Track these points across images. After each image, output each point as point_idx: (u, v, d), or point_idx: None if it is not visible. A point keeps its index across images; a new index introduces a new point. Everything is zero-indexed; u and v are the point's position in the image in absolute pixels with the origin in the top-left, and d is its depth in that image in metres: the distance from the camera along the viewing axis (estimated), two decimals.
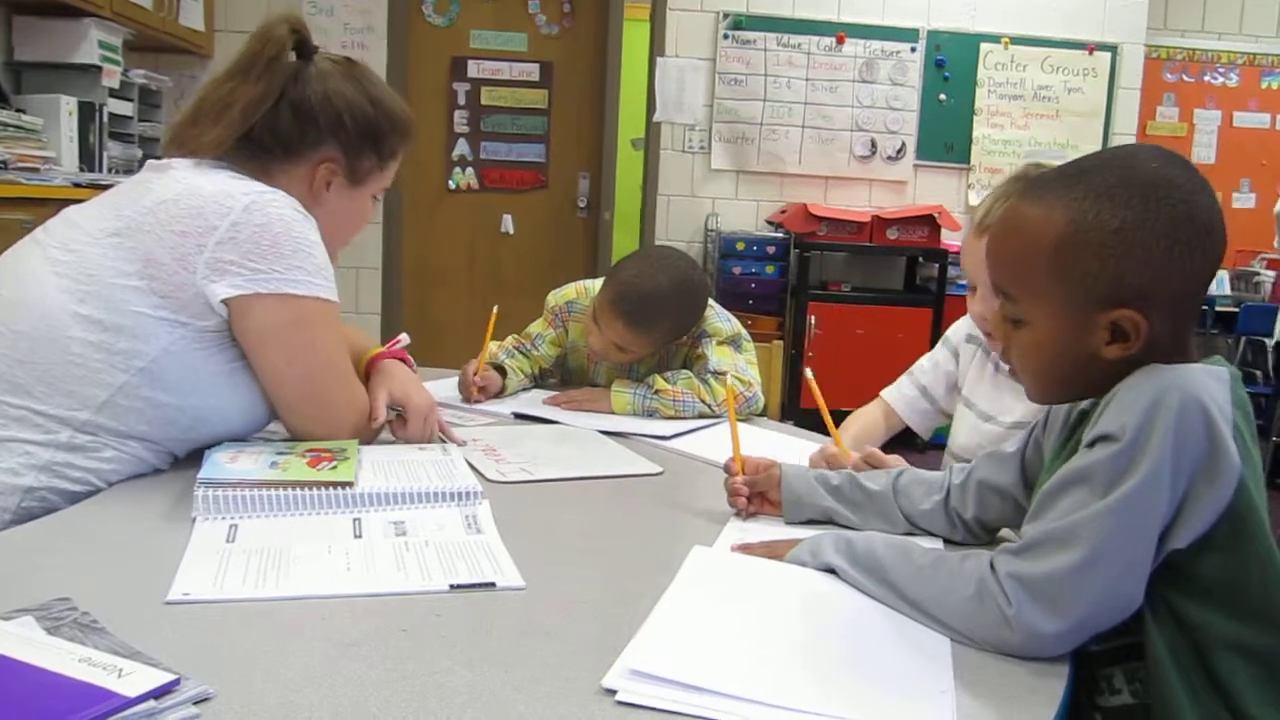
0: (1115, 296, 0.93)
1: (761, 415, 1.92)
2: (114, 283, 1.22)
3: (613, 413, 1.84)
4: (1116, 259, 0.92)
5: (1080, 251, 0.93)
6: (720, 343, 1.92)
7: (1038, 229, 0.96)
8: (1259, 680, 0.87)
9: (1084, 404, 1.04)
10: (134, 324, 1.22)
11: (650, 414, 1.83)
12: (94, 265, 1.23)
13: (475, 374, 1.90)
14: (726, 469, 1.29)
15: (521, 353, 2.06)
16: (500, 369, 1.97)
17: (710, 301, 1.96)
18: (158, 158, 1.38)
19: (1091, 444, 0.90)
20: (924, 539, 1.15)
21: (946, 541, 1.17)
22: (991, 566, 0.90)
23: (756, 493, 1.27)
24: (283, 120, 1.36)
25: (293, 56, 1.38)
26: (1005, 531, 1.18)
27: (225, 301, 1.24)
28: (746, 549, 1.11)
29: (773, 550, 1.09)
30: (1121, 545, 0.86)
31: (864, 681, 0.82)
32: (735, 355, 1.93)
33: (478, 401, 1.89)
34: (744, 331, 1.98)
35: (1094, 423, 0.92)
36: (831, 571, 1.02)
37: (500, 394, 1.94)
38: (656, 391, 1.83)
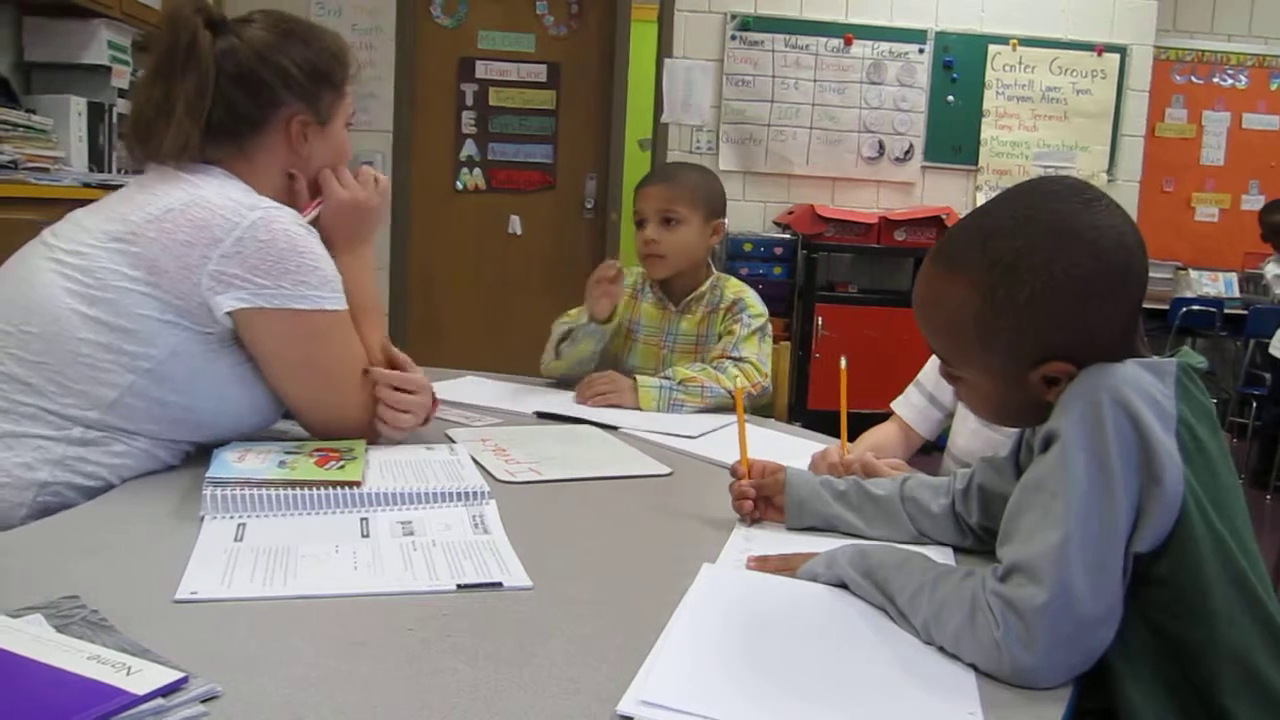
0: (1041, 356, 0.96)
1: (769, 416, 1.92)
2: (120, 286, 1.22)
3: (639, 409, 1.87)
4: (1033, 326, 0.95)
5: (997, 323, 0.96)
6: (753, 331, 2.03)
7: (954, 305, 0.98)
8: (1240, 686, 0.85)
9: None
10: (141, 327, 1.22)
11: (677, 406, 1.87)
12: (100, 269, 1.23)
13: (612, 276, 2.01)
14: (733, 472, 1.28)
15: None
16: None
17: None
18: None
19: (1044, 449, 0.91)
20: (934, 549, 1.13)
21: (957, 550, 1.16)
22: (983, 587, 0.87)
23: (762, 497, 1.25)
24: (234, 99, 1.34)
25: (208, 36, 1.33)
26: None
27: (230, 314, 1.25)
28: (762, 564, 1.08)
29: (788, 563, 1.06)
30: (1086, 557, 0.84)
31: (887, 710, 0.79)
32: (760, 346, 2.04)
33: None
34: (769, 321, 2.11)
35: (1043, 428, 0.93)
36: (844, 586, 0.99)
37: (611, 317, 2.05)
38: (681, 382, 1.89)
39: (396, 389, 1.39)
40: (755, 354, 2.00)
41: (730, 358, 1.98)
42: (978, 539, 1.16)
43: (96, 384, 1.22)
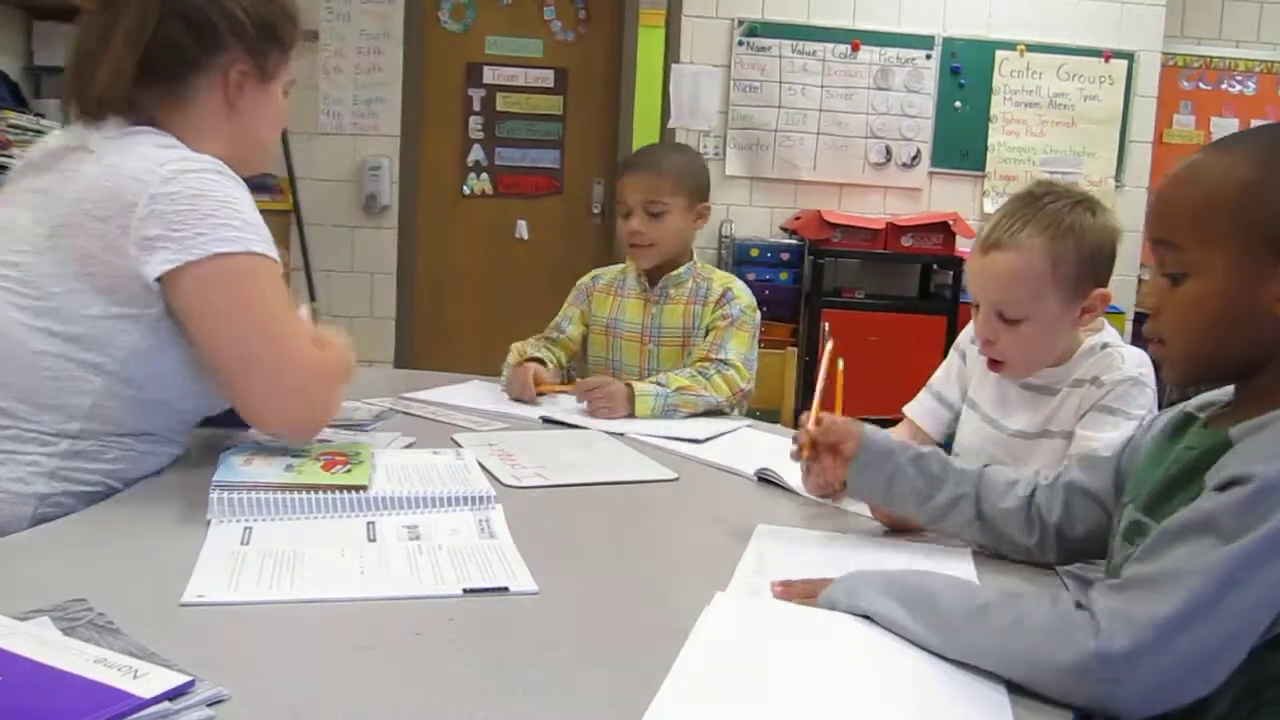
0: None
1: (775, 422, 1.92)
2: (57, 291, 1.17)
3: (634, 416, 1.87)
4: None
5: (1263, 195, 0.91)
6: (741, 325, 2.04)
7: (1221, 176, 0.94)
8: None
9: (1191, 406, 1.01)
10: (91, 331, 1.18)
11: (671, 412, 1.88)
12: (37, 276, 1.18)
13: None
14: (799, 421, 1.30)
15: (549, 344, 2.13)
16: (540, 360, 2.05)
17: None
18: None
19: (1223, 487, 0.83)
20: (952, 562, 1.11)
21: (978, 558, 1.15)
22: (1083, 603, 0.83)
23: (826, 444, 1.25)
24: (177, 36, 1.26)
25: None
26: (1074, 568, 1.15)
27: (160, 279, 1.17)
28: (787, 590, 1.00)
29: (812, 589, 0.99)
30: (1230, 603, 0.78)
31: None
32: (751, 345, 2.05)
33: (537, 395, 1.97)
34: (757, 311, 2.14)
35: (1224, 464, 0.86)
36: (866, 618, 0.92)
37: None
38: (677, 389, 1.90)
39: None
40: (742, 354, 2.01)
41: (715, 359, 1.99)
42: (1043, 540, 1.13)
43: (68, 394, 1.18)
